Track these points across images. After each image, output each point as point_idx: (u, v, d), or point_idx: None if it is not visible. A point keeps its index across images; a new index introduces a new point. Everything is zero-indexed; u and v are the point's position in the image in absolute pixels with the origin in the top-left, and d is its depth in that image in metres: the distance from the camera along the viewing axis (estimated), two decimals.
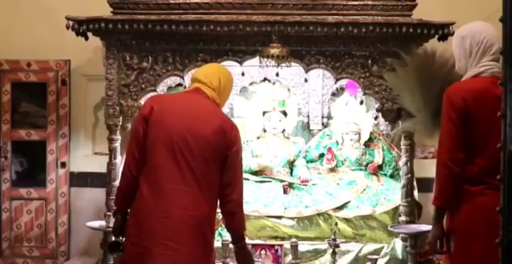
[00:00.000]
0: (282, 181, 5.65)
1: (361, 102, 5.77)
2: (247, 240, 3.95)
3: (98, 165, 5.79)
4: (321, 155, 6.01)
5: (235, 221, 3.59)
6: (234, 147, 3.51)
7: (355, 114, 5.95)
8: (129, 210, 3.52)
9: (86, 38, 5.22)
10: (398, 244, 5.14)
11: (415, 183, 5.23)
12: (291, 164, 5.91)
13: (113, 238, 3.76)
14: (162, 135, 3.43)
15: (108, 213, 5.05)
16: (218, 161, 3.47)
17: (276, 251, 5.03)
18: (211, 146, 3.44)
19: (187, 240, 3.39)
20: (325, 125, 6.24)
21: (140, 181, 3.44)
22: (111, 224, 4.89)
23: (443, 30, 4.98)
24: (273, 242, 5.17)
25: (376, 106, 5.29)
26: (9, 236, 6.27)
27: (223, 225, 4.79)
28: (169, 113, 3.48)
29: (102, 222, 5.09)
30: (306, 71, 5.33)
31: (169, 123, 3.44)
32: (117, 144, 5.18)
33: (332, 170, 5.86)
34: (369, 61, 5.17)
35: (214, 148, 3.45)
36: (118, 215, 3.61)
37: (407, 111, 4.91)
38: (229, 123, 3.58)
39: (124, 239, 3.55)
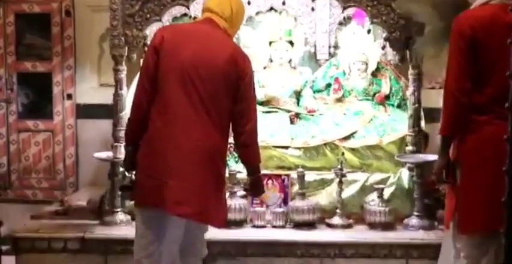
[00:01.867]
0: (288, 111, 5.63)
1: (369, 32, 5.69)
2: None
3: (104, 96, 5.76)
4: (328, 85, 5.97)
5: (250, 153, 3.58)
6: (246, 78, 3.47)
7: (362, 43, 5.87)
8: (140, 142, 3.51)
9: None
10: (404, 174, 5.15)
11: (422, 113, 5.20)
12: (298, 94, 5.88)
13: (126, 175, 3.74)
14: (173, 65, 3.40)
15: (116, 144, 5.06)
16: (230, 91, 3.44)
17: (283, 180, 5.06)
18: (223, 76, 3.41)
19: (199, 171, 3.40)
20: (332, 55, 6.16)
21: (152, 112, 3.43)
22: (118, 155, 4.94)
23: None
24: (279, 172, 5.19)
25: (384, 35, 5.22)
26: (17, 168, 6.32)
27: (229, 156, 4.80)
28: (181, 43, 3.44)
29: (110, 153, 5.11)
30: (313, 0, 5.25)
31: (181, 53, 3.40)
32: (123, 75, 5.15)
33: (339, 100, 5.82)
34: None
35: (226, 78, 3.42)
36: (129, 147, 3.60)
37: (418, 22, 4.73)
38: (241, 53, 3.54)
39: (135, 172, 3.55)
